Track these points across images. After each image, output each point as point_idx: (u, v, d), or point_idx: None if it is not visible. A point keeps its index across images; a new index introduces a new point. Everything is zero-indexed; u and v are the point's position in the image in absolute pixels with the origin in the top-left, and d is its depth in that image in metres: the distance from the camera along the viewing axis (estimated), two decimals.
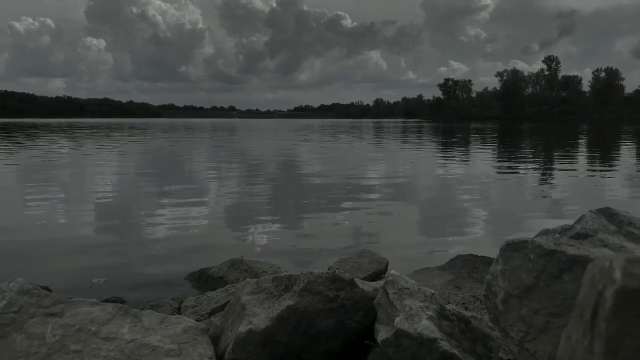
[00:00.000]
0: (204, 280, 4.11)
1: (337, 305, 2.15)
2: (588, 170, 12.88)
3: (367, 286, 2.32)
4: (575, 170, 12.78)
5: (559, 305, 1.56)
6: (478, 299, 2.84)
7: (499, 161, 15.57)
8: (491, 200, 8.29)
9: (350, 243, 5.39)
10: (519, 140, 30.33)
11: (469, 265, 3.73)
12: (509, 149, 21.51)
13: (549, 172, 12.67)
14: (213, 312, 3.04)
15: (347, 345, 2.21)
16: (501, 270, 1.71)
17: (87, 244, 5.39)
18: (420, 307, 1.95)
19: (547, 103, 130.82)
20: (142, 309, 2.63)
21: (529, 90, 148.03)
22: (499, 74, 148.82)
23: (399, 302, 1.99)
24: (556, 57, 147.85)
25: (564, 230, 1.88)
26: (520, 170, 12.63)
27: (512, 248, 1.70)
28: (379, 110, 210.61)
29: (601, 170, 12.60)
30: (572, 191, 9.32)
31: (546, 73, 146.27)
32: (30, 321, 1.92)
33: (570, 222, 1.96)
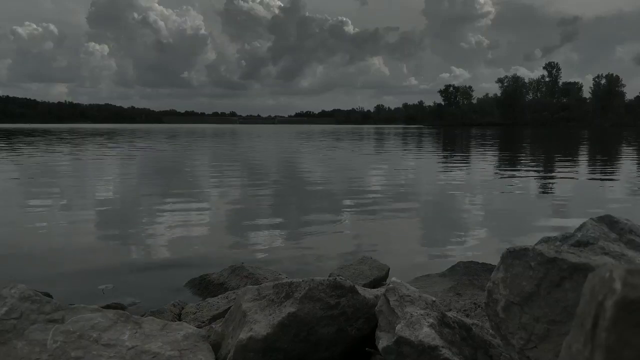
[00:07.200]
0: (205, 286, 4.10)
1: (338, 312, 2.16)
2: (589, 177, 12.89)
3: (368, 293, 2.32)
4: (575, 177, 12.78)
5: (560, 313, 1.56)
6: (479, 306, 2.84)
7: (499, 168, 15.57)
8: (492, 207, 8.28)
9: (350, 249, 5.39)
10: (519, 146, 30.35)
11: (470, 272, 3.73)
12: (509, 155, 21.52)
13: (550, 179, 12.67)
14: (214, 319, 3.03)
15: (347, 352, 2.21)
16: (502, 277, 1.72)
17: (88, 250, 5.39)
18: (422, 315, 1.95)
19: (547, 109, 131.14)
20: (142, 316, 2.63)
21: (530, 96, 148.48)
22: (500, 80, 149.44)
23: (400, 310, 1.99)
24: (557, 63, 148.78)
25: (564, 238, 1.89)
26: (520, 177, 12.63)
27: (513, 255, 1.70)
28: (380, 116, 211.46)
29: (602, 178, 12.60)
30: (573, 199, 9.32)
31: (547, 79, 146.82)
32: (31, 327, 1.92)
33: (571, 229, 1.97)
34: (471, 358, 1.91)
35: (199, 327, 2.72)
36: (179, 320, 3.19)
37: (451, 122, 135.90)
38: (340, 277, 2.33)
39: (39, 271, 4.58)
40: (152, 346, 2.00)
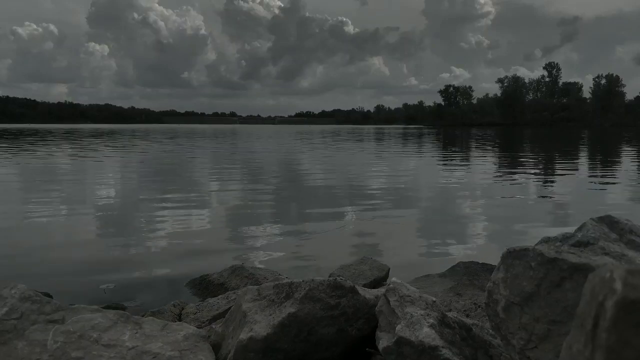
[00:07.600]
0: (205, 286, 4.10)
1: (338, 313, 2.16)
2: (589, 177, 12.89)
3: (369, 293, 2.32)
4: (576, 177, 12.78)
5: (560, 313, 1.56)
6: (479, 306, 2.84)
7: (499, 168, 15.57)
8: (492, 207, 8.28)
9: (351, 250, 5.39)
10: (519, 147, 30.34)
11: (470, 272, 3.73)
12: (509, 156, 21.51)
13: (550, 179, 12.67)
14: (214, 319, 3.03)
15: (348, 352, 2.21)
16: (502, 277, 1.72)
17: (88, 250, 5.39)
18: (422, 315, 1.95)
19: (547, 109, 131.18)
20: (143, 316, 2.63)
21: (530, 96, 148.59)
22: (500, 81, 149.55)
23: (400, 310, 1.99)
24: (557, 63, 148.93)
25: (565, 238, 1.89)
26: (521, 177, 12.63)
27: (513, 256, 1.70)
28: (380, 116, 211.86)
29: (602, 178, 12.60)
30: (573, 199, 9.32)
31: (547, 80, 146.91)
32: (32, 328, 1.92)
33: (571, 230, 1.97)
34: (471, 358, 1.91)
35: (199, 327, 2.72)
36: (179, 320, 3.19)
37: (451, 122, 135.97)
38: (341, 277, 2.33)
39: (39, 271, 4.58)
40: (153, 346, 2.01)
